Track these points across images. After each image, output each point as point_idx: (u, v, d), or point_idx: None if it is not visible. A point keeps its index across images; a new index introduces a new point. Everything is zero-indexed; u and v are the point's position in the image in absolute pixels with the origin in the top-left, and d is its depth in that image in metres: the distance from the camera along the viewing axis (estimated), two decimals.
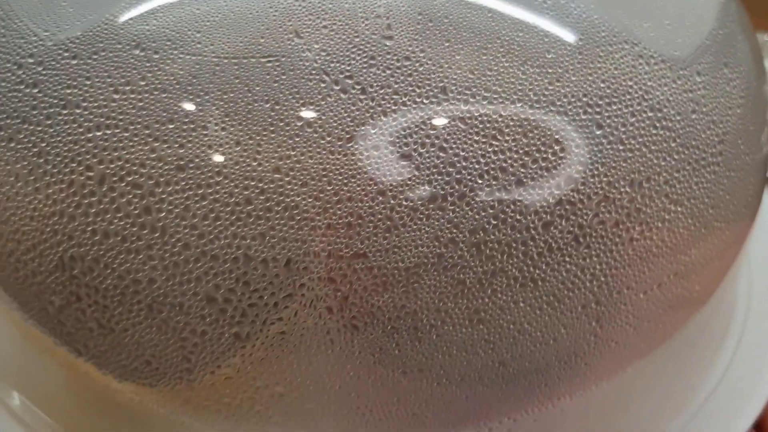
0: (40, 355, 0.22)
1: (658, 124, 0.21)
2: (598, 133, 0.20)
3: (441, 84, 0.19)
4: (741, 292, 0.30)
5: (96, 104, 0.19)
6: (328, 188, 0.18)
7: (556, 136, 0.19)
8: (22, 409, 0.26)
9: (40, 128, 0.19)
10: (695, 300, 0.24)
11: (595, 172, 0.20)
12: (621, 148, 0.20)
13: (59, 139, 0.19)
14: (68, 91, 0.19)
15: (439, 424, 0.21)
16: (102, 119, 0.19)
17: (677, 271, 0.22)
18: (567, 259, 0.20)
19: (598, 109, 0.20)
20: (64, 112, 0.19)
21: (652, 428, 0.26)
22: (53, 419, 0.25)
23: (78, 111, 0.19)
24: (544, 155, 0.19)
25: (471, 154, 0.19)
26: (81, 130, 0.19)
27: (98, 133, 0.19)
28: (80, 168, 0.19)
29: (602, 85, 0.20)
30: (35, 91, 0.20)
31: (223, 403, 0.20)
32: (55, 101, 0.19)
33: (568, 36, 0.21)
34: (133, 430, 0.23)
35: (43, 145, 0.19)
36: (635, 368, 0.23)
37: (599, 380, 0.23)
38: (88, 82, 0.19)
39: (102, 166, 0.19)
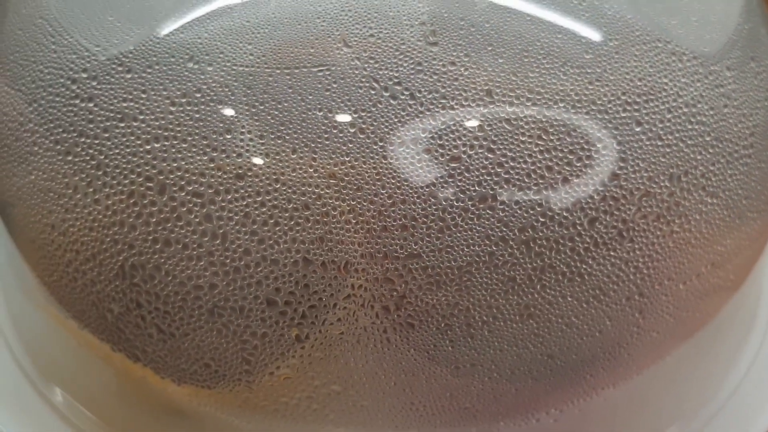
0: (94, 359, 0.23)
1: (693, 120, 0.21)
2: (637, 129, 0.20)
3: (486, 87, 0.20)
4: (766, 287, 0.31)
5: (153, 116, 0.20)
6: (382, 192, 0.19)
7: (598, 134, 0.20)
8: (64, 405, 0.26)
9: (97, 141, 0.20)
10: (729, 288, 0.24)
11: (636, 168, 0.20)
12: (659, 143, 0.21)
13: (117, 151, 0.20)
14: (125, 104, 0.20)
15: (489, 416, 0.22)
16: (160, 131, 0.19)
17: (714, 261, 0.23)
18: (612, 253, 0.20)
19: (636, 107, 0.21)
20: (122, 125, 0.20)
21: (684, 415, 0.27)
22: (98, 417, 0.26)
23: (135, 123, 0.20)
24: (588, 153, 0.20)
25: (518, 154, 0.19)
26: (139, 142, 0.20)
27: (157, 145, 0.19)
28: (140, 179, 0.19)
29: (639, 83, 0.21)
30: (91, 105, 0.20)
31: (280, 402, 0.21)
32: (112, 114, 0.20)
33: (605, 36, 0.21)
34: (186, 431, 0.23)
35: (102, 157, 0.20)
36: (672, 356, 0.24)
37: (640, 369, 0.23)
38: (144, 95, 0.20)
39: (162, 177, 0.19)
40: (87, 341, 0.22)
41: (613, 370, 0.22)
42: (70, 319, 0.22)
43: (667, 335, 0.23)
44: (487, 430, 0.22)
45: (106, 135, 0.20)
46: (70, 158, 0.20)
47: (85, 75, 0.21)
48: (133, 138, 0.20)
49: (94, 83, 0.20)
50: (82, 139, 0.20)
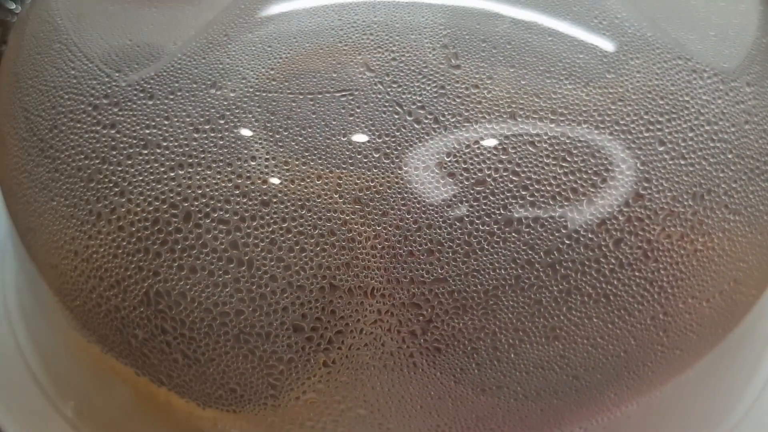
0: (115, 381, 0.23)
1: (715, 137, 0.21)
2: (660, 149, 0.20)
3: (510, 109, 0.20)
4: None
5: (177, 143, 0.20)
6: (408, 216, 0.19)
7: (622, 155, 0.20)
8: (82, 423, 0.26)
9: (120, 168, 0.20)
10: (750, 303, 0.24)
11: (660, 188, 0.20)
12: (683, 162, 0.21)
13: (141, 178, 0.20)
14: (147, 131, 0.20)
15: None
16: (184, 158, 0.19)
17: (736, 278, 0.22)
18: (637, 273, 0.20)
19: (659, 126, 0.21)
20: (145, 151, 0.20)
21: (706, 427, 0.27)
22: None
23: (159, 150, 0.20)
24: (612, 174, 0.20)
25: (543, 176, 0.19)
26: (163, 168, 0.20)
27: (181, 172, 0.19)
28: (164, 206, 0.19)
29: (661, 102, 0.21)
30: (113, 131, 0.20)
31: (306, 426, 0.21)
32: (135, 141, 0.20)
33: (626, 55, 0.21)
34: None
35: (125, 184, 0.20)
36: (694, 370, 0.24)
37: (662, 385, 0.23)
38: (167, 122, 0.20)
39: (187, 204, 0.19)
40: (110, 365, 0.22)
41: (637, 388, 0.22)
42: (93, 343, 0.22)
43: (690, 352, 0.23)
44: None
45: (129, 162, 0.20)
46: (92, 185, 0.20)
47: (106, 101, 0.21)
48: (157, 165, 0.20)
49: (116, 109, 0.20)
50: (105, 166, 0.20)
